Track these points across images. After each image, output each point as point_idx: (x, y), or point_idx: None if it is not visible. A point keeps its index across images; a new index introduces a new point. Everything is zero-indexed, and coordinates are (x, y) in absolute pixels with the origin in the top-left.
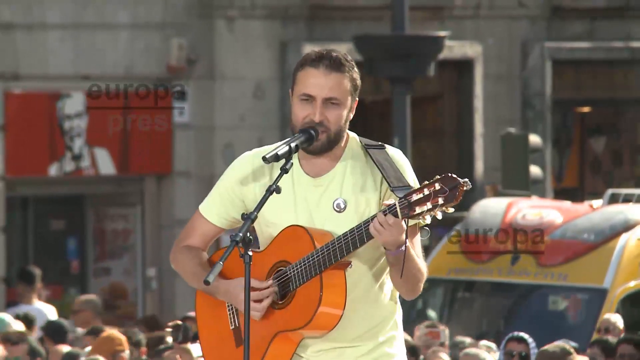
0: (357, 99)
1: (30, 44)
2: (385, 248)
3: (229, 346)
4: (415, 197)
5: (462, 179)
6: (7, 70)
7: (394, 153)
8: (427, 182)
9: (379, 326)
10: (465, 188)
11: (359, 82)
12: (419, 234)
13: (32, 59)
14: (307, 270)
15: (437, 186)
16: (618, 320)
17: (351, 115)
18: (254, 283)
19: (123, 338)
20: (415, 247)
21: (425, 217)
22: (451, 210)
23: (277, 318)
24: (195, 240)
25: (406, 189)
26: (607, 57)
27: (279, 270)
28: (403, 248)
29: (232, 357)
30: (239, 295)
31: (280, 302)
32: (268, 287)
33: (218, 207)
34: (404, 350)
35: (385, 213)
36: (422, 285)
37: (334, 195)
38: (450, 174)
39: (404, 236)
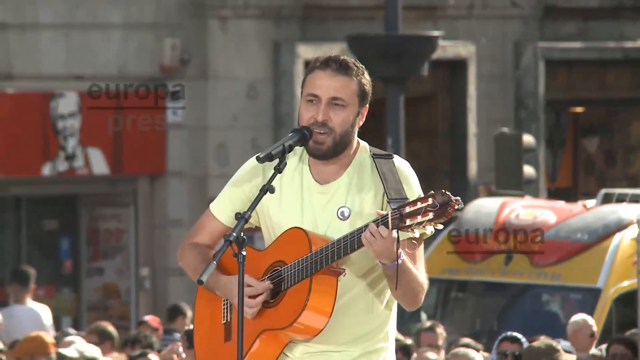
0: (368, 106)
1: (23, 44)
2: (381, 262)
3: (218, 340)
4: (407, 209)
5: (454, 196)
6: (0, 70)
7: (400, 164)
8: (420, 196)
9: (369, 334)
10: (457, 206)
11: (368, 88)
12: (422, 247)
13: (25, 58)
14: (299, 272)
15: (430, 201)
16: (590, 321)
17: (360, 122)
18: (250, 280)
19: (50, 342)
20: (417, 260)
21: (415, 230)
22: (440, 226)
23: (265, 316)
24: (204, 238)
25: (402, 201)
26: (600, 57)
27: (275, 269)
28: (398, 262)
29: (219, 351)
30: (234, 290)
31: (271, 301)
32: (264, 286)
33: (227, 206)
34: None
35: (377, 223)
36: (422, 297)
37: (339, 203)
38: (444, 191)
39: (394, 247)
